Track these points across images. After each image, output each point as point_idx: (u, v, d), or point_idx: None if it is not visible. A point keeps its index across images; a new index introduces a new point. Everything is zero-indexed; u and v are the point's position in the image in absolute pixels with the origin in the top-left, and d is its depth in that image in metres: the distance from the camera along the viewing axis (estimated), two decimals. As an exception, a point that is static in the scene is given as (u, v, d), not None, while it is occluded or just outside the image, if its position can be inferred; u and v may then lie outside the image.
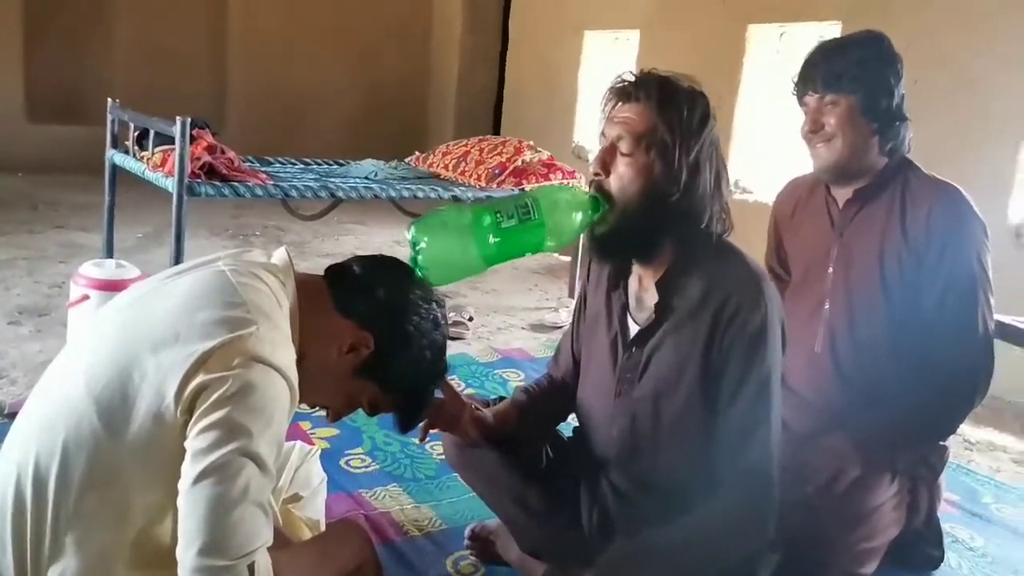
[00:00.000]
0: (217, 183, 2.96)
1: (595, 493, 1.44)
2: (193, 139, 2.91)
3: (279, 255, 1.14)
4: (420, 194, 3.51)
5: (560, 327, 3.49)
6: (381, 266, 1.19)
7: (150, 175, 3.10)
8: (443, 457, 1.85)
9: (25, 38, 6.00)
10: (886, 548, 1.55)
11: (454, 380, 2.71)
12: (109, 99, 3.59)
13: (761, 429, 1.22)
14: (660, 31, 4.69)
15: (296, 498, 1.46)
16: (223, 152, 3.07)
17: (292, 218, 3.73)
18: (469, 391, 2.64)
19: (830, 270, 1.65)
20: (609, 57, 5.30)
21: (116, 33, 6.34)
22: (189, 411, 0.93)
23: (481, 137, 4.27)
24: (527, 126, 5.53)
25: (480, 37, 6.76)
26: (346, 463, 2.07)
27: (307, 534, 1.38)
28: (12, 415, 1.31)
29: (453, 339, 3.17)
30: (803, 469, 1.51)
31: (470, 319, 3.32)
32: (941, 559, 1.75)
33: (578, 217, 1.21)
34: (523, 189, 3.65)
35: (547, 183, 3.63)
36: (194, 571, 0.89)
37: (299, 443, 1.58)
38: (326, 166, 3.94)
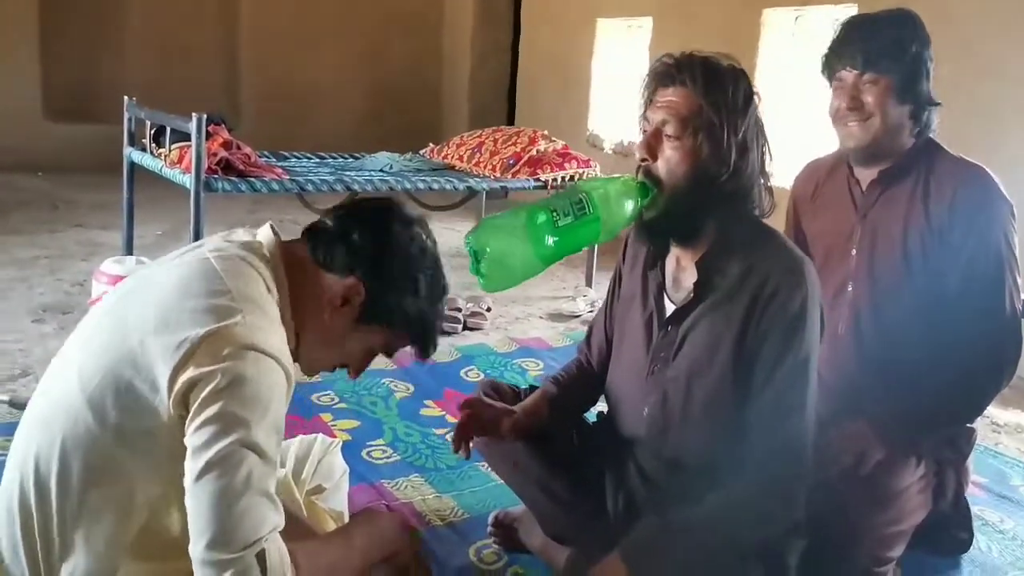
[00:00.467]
0: (234, 179, 2.97)
1: (621, 478, 1.44)
2: (209, 135, 2.93)
3: (264, 233, 1.12)
4: (435, 186, 3.51)
5: (578, 316, 3.49)
6: (353, 210, 1.17)
7: (167, 172, 3.13)
8: (464, 447, 1.86)
9: (41, 37, 6.05)
10: (912, 531, 1.53)
11: (473, 369, 2.72)
12: (125, 97, 3.62)
13: (796, 412, 1.21)
14: (673, 17, 4.65)
15: (319, 490, 1.46)
16: (239, 148, 3.08)
17: (308, 212, 3.74)
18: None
19: (853, 252, 1.63)
20: (622, 45, 5.27)
21: (130, 30, 6.38)
22: (183, 405, 0.93)
23: (495, 127, 4.26)
24: (541, 116, 5.51)
25: (492, 27, 6.74)
26: (368, 454, 2.08)
27: (331, 525, 1.39)
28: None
29: (472, 329, 3.18)
30: (826, 452, 1.49)
31: (488, 309, 3.32)
32: (970, 542, 1.73)
33: (630, 205, 1.21)
34: (539, 179, 3.65)
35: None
36: (204, 565, 0.90)
37: (320, 435, 1.59)
38: (341, 160, 3.95)
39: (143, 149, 3.43)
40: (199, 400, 0.91)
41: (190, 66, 6.34)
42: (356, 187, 3.26)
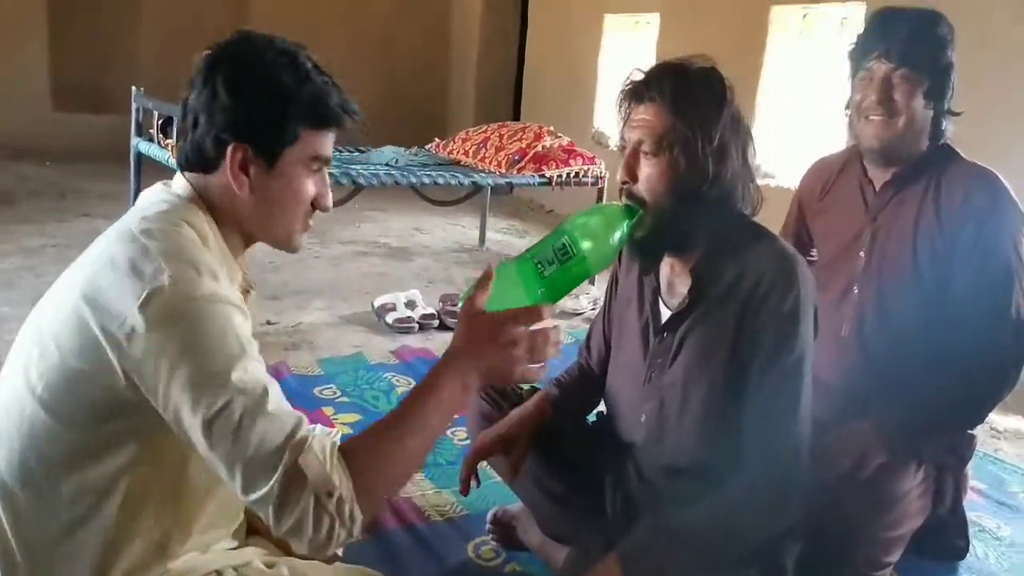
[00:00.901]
0: (240, 171, 2.98)
1: (620, 478, 1.44)
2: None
3: (178, 183, 1.06)
4: (441, 180, 3.52)
5: (581, 313, 3.49)
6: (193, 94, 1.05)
7: (174, 162, 3.13)
8: (465, 442, 1.87)
9: (50, 28, 6.07)
10: (910, 536, 1.54)
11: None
12: (133, 88, 3.63)
13: (790, 412, 1.21)
14: (681, 13, 4.64)
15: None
16: (245, 140, 3.09)
17: (313, 205, 3.74)
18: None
19: (861, 254, 1.62)
20: (629, 41, 5.26)
21: (139, 21, 6.39)
22: (137, 380, 0.90)
23: (501, 123, 4.26)
24: (547, 112, 5.50)
25: (499, 22, 6.73)
26: (369, 448, 2.09)
27: None
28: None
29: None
30: (826, 455, 1.50)
31: (491, 305, 3.32)
32: (967, 549, 1.73)
33: (616, 235, 1.19)
34: (544, 175, 3.65)
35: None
36: (254, 506, 0.89)
37: (319, 426, 1.59)
38: (347, 153, 3.95)
39: (151, 139, 3.45)
40: (160, 377, 0.88)
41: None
42: (361, 181, 3.26)
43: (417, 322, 3.08)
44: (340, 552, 1.33)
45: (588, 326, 1.65)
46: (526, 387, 1.64)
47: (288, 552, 1.20)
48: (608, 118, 5.35)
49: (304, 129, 1.02)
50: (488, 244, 4.66)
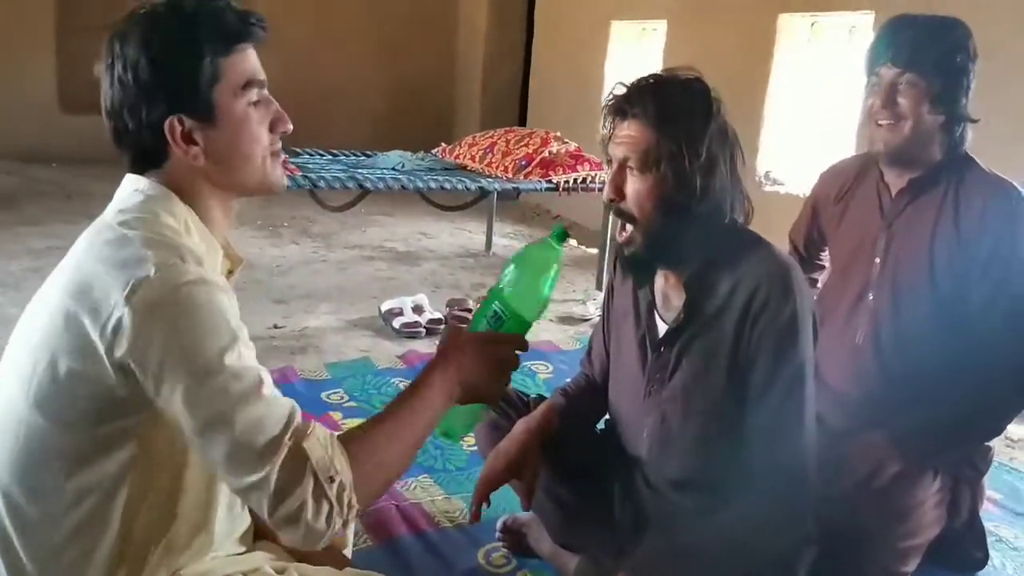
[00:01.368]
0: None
1: (628, 487, 1.43)
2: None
3: (143, 184, 1.00)
4: (447, 185, 3.51)
5: (588, 319, 3.48)
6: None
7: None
8: (474, 448, 1.86)
9: (57, 30, 6.09)
10: (927, 547, 1.52)
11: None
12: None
13: (793, 425, 1.20)
14: (688, 21, 4.63)
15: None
16: (253, 143, 3.09)
17: (320, 209, 3.74)
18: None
19: (877, 260, 1.61)
20: (636, 48, 5.26)
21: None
22: (128, 373, 0.88)
23: (508, 128, 4.26)
24: (554, 117, 5.50)
25: (506, 28, 6.73)
26: (376, 453, 2.08)
27: None
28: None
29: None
30: (842, 464, 1.48)
31: (497, 311, 3.31)
32: (985, 561, 1.71)
33: (548, 276, 1.10)
34: (550, 181, 3.64)
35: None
36: (248, 494, 0.86)
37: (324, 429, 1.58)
38: (354, 157, 3.95)
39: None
40: (151, 369, 0.86)
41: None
42: (368, 185, 3.26)
43: (424, 327, 3.07)
44: (349, 555, 1.32)
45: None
46: (533, 395, 1.62)
47: (298, 557, 1.19)
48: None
49: (218, 59, 0.96)
50: (495, 249, 4.65)
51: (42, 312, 0.95)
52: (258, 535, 1.21)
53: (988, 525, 1.84)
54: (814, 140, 3.97)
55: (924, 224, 1.55)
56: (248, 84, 0.99)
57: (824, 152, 3.47)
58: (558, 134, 3.96)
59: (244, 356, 0.89)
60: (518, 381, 2.68)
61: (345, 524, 0.88)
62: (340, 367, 2.68)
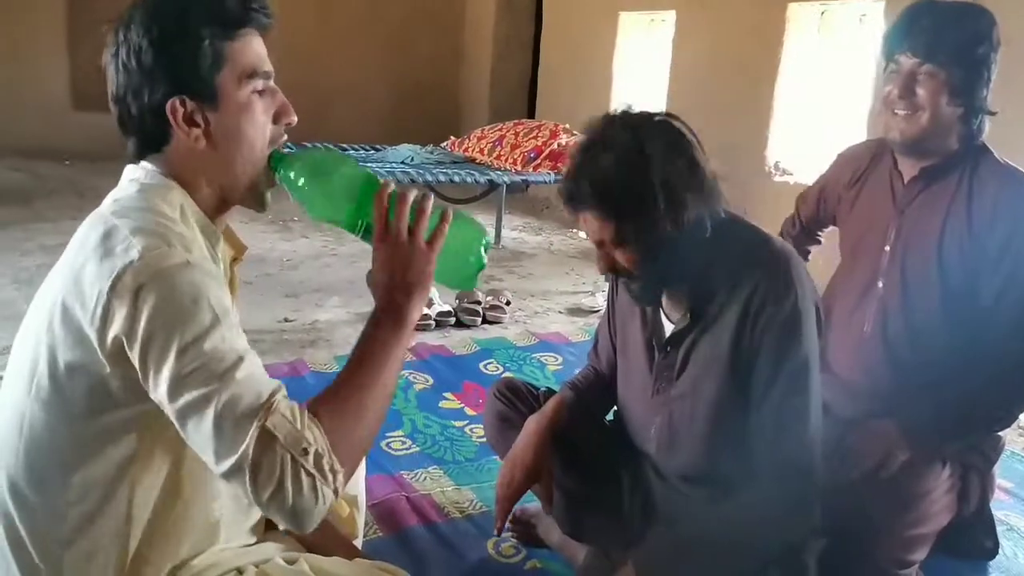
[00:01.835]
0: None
1: (637, 478, 1.43)
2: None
3: (140, 174, 1.01)
4: (456, 179, 3.51)
5: (597, 311, 3.48)
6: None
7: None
8: (483, 439, 1.87)
9: (68, 27, 6.12)
10: (936, 536, 1.51)
11: (492, 363, 2.72)
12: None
13: (800, 419, 1.20)
14: (696, 11, 4.61)
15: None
16: (262, 138, 3.10)
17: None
18: (508, 375, 2.65)
19: (887, 248, 1.60)
20: (645, 39, 5.23)
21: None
22: (123, 367, 0.88)
23: (517, 120, 4.26)
24: (562, 109, 5.49)
25: (513, 20, 6.71)
26: (387, 445, 2.09)
27: (346, 510, 1.38)
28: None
29: (491, 323, 3.18)
30: (849, 454, 1.48)
31: (507, 303, 3.32)
32: (996, 550, 1.71)
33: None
34: (560, 173, 3.64)
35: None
36: (230, 479, 0.85)
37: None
38: (363, 151, 3.96)
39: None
40: (136, 353, 0.86)
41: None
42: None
43: (434, 319, 3.08)
44: (359, 546, 1.33)
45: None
46: (542, 388, 1.63)
47: (309, 547, 1.20)
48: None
49: (220, 43, 0.95)
50: (504, 242, 4.65)
51: (42, 307, 0.96)
52: (269, 525, 1.23)
53: (999, 514, 1.83)
54: (824, 130, 3.95)
55: (935, 213, 1.54)
56: (253, 73, 0.98)
57: (834, 142, 3.45)
58: (567, 126, 3.95)
59: (227, 339, 0.87)
60: (528, 374, 2.68)
61: (336, 492, 0.87)
62: (350, 360, 2.70)
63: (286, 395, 0.88)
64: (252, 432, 0.83)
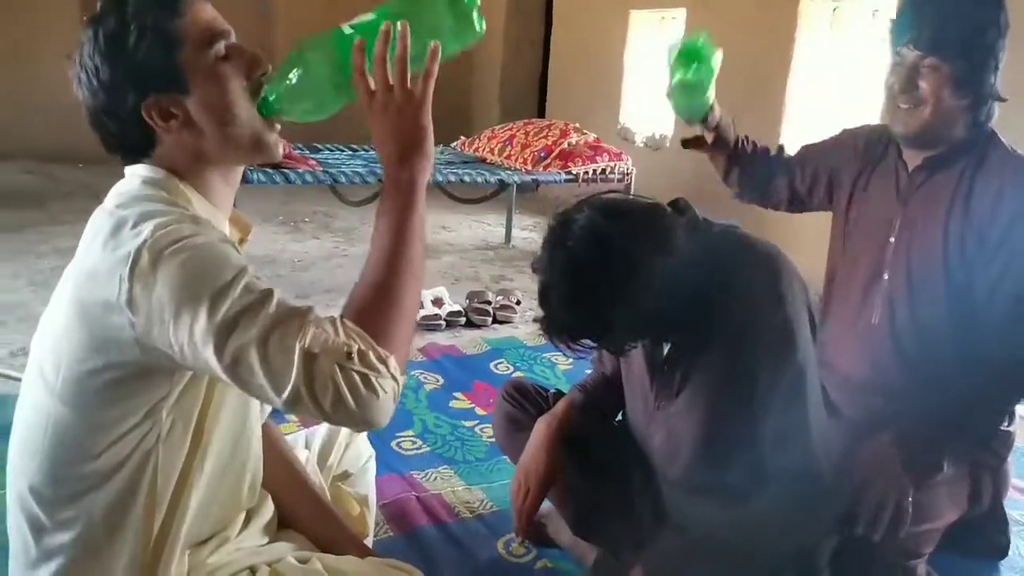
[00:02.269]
0: (269, 170, 3.01)
1: (647, 480, 1.43)
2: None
3: (140, 169, 1.01)
4: (467, 178, 3.52)
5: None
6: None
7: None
8: (492, 440, 1.87)
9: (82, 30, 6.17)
10: (945, 532, 1.49)
11: (503, 363, 2.73)
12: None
13: (801, 426, 1.19)
14: (707, 9, 4.59)
15: (345, 475, 1.46)
16: (273, 139, 3.12)
17: (340, 204, 3.77)
18: (518, 374, 2.65)
19: (892, 239, 1.57)
20: (655, 37, 5.22)
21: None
22: (151, 343, 0.88)
23: (527, 120, 4.26)
24: (572, 108, 5.48)
25: (523, 19, 6.71)
26: (397, 445, 2.10)
27: (357, 510, 1.39)
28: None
29: (501, 323, 3.19)
30: (855, 498, 1.39)
31: (518, 303, 3.32)
32: (1007, 547, 1.69)
33: None
34: (570, 172, 3.64)
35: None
36: (293, 409, 0.85)
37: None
38: (374, 152, 3.96)
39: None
40: (168, 325, 0.85)
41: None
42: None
43: (444, 319, 3.09)
44: (371, 545, 1.34)
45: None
46: (551, 390, 1.63)
47: (322, 547, 1.21)
48: (634, 114, 5.33)
49: (169, 24, 0.94)
50: (514, 241, 4.65)
51: (59, 307, 0.97)
52: (282, 524, 1.24)
53: (1014, 514, 1.82)
54: (836, 127, 3.92)
55: (939, 203, 1.51)
56: (210, 39, 0.96)
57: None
58: (577, 125, 3.95)
59: (250, 284, 0.86)
60: (539, 373, 2.68)
61: (395, 379, 0.86)
62: (361, 360, 2.70)
63: (316, 313, 0.87)
64: (296, 359, 0.83)
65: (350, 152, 3.91)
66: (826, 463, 1.22)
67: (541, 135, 3.83)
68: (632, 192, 3.77)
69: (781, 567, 1.24)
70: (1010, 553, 1.73)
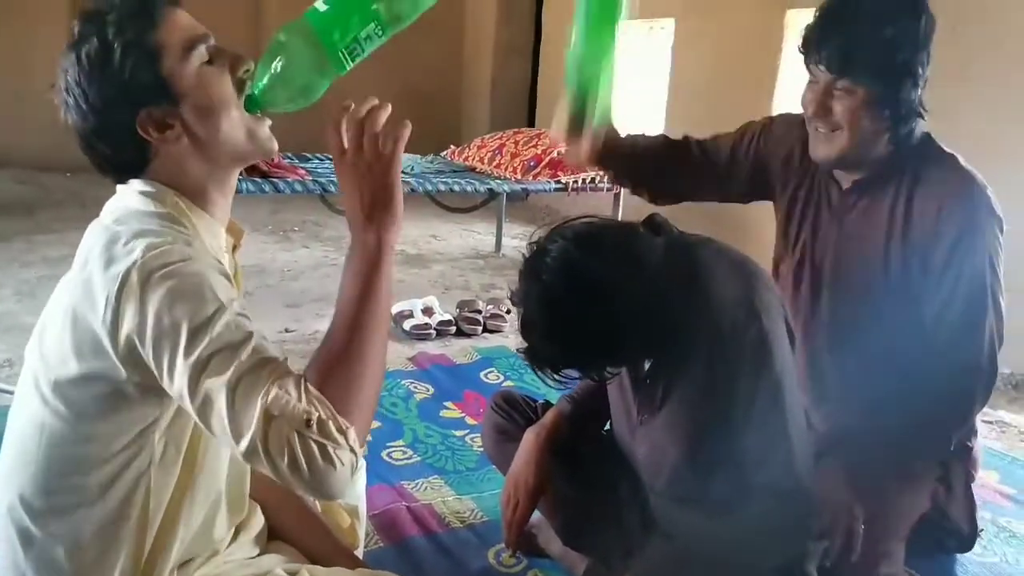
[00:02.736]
0: (258, 179, 3.00)
1: (635, 489, 1.43)
2: (234, 137, 2.96)
3: (135, 183, 1.00)
4: (456, 188, 3.52)
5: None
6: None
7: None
8: (482, 449, 1.87)
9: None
10: (918, 520, 1.47)
11: (493, 372, 2.72)
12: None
13: (780, 436, 1.19)
14: (696, 19, 4.63)
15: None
16: (263, 149, 3.11)
17: (330, 213, 3.77)
18: (509, 383, 2.65)
19: (824, 257, 1.50)
20: (644, 46, 5.25)
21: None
22: (139, 369, 0.88)
23: (516, 129, 4.27)
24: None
25: (513, 29, 6.74)
26: (388, 455, 2.09)
27: (346, 520, 1.39)
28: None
29: (491, 332, 3.19)
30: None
31: (508, 312, 3.32)
32: (975, 535, 1.67)
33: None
34: (559, 182, 3.65)
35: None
36: (250, 461, 0.84)
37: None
38: (363, 161, 3.97)
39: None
40: (150, 350, 0.86)
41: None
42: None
43: (434, 329, 3.09)
44: (360, 556, 1.33)
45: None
46: (540, 400, 1.63)
47: (311, 558, 1.20)
48: (623, 123, 5.35)
49: (147, 36, 0.93)
50: (504, 250, 4.66)
51: (54, 317, 0.97)
52: (271, 535, 1.23)
53: (1001, 520, 1.83)
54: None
55: (876, 227, 1.44)
56: (190, 45, 0.96)
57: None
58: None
59: (231, 324, 0.86)
60: (529, 382, 2.68)
61: (352, 451, 0.85)
62: (351, 370, 2.69)
63: (287, 369, 0.87)
64: (257, 415, 0.82)
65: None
66: (807, 473, 1.23)
67: (531, 144, 3.84)
68: (620, 200, 3.79)
69: (769, 575, 1.25)
70: (997, 559, 1.75)
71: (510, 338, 3.15)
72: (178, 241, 0.92)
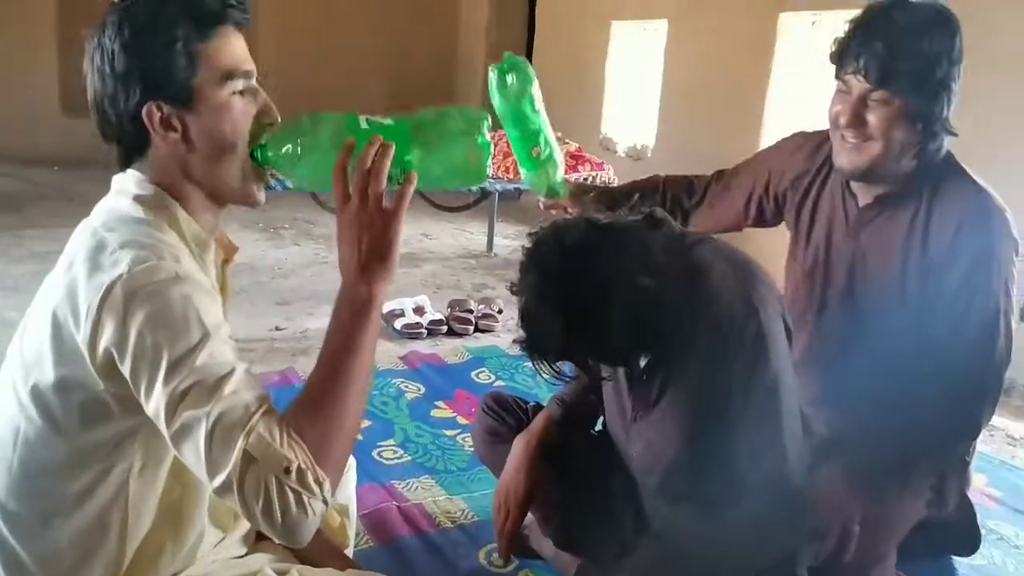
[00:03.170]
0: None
1: (628, 489, 1.43)
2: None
3: (129, 176, 1.00)
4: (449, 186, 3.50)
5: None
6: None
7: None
8: (473, 449, 1.86)
9: (59, 32, 6.11)
10: (912, 526, 1.47)
11: (484, 371, 2.72)
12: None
13: (775, 437, 1.19)
14: (689, 21, 4.63)
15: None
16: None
17: (321, 211, 3.76)
18: (500, 383, 2.64)
19: (841, 272, 1.50)
20: (637, 47, 5.26)
21: (147, 28, 6.43)
22: (115, 381, 0.87)
23: (509, 129, 4.26)
24: (554, 117, 5.43)
25: (506, 29, 6.74)
26: (378, 454, 2.08)
27: (336, 519, 1.38)
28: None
29: (483, 331, 3.18)
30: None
31: (500, 311, 3.32)
32: (977, 543, 1.68)
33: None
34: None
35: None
36: (222, 498, 0.84)
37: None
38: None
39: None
40: (128, 369, 0.85)
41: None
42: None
43: (425, 328, 3.07)
44: (351, 556, 1.32)
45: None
46: (531, 402, 1.62)
47: (300, 558, 1.19)
48: (616, 124, 5.36)
49: (195, 44, 0.92)
50: (496, 250, 4.65)
51: (37, 318, 0.95)
52: (260, 536, 1.22)
53: (990, 523, 1.84)
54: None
55: (893, 242, 1.43)
56: (232, 74, 0.95)
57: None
58: (559, 134, 3.94)
59: (215, 354, 0.85)
60: (520, 382, 2.68)
61: (324, 502, 0.85)
62: (342, 368, 2.68)
63: (271, 408, 0.86)
64: (236, 454, 0.82)
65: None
66: (802, 472, 1.22)
67: (523, 144, 3.84)
68: (614, 201, 3.79)
69: (761, 574, 1.24)
70: (985, 562, 1.75)
71: (501, 338, 3.14)
72: (166, 256, 0.90)
